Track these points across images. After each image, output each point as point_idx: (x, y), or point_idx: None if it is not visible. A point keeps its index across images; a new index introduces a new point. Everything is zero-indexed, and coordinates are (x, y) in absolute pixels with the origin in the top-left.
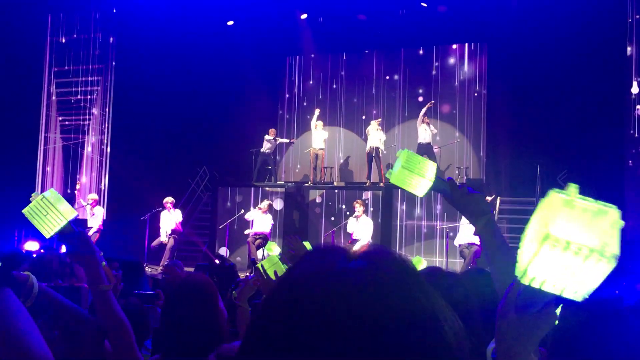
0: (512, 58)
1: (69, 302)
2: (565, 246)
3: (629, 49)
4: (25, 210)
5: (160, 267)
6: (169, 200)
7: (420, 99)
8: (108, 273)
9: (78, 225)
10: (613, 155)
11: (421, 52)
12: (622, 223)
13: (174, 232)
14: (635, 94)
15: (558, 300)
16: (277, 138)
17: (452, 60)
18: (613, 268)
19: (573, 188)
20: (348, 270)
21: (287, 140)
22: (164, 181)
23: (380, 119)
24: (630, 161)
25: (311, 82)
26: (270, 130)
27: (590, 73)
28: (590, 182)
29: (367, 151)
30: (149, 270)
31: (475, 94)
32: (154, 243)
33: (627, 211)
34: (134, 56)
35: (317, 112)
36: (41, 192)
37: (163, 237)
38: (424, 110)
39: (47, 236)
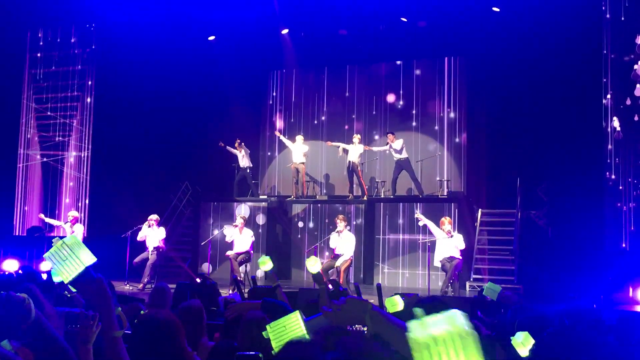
0: (492, 71)
1: (59, 339)
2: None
3: (605, 55)
4: (46, 255)
5: (141, 285)
6: (153, 217)
7: (400, 108)
8: (122, 318)
9: (97, 271)
10: (592, 168)
11: (401, 66)
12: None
13: (156, 249)
14: (611, 107)
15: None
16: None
17: (432, 74)
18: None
19: (419, 312)
20: None
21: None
22: (145, 197)
23: (360, 135)
24: (607, 173)
25: (293, 97)
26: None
27: (568, 86)
28: (569, 194)
29: (347, 166)
30: (129, 288)
31: (455, 107)
32: (137, 259)
33: (606, 224)
34: (114, 72)
35: (279, 134)
36: (24, 206)
37: (147, 254)
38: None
39: (66, 281)
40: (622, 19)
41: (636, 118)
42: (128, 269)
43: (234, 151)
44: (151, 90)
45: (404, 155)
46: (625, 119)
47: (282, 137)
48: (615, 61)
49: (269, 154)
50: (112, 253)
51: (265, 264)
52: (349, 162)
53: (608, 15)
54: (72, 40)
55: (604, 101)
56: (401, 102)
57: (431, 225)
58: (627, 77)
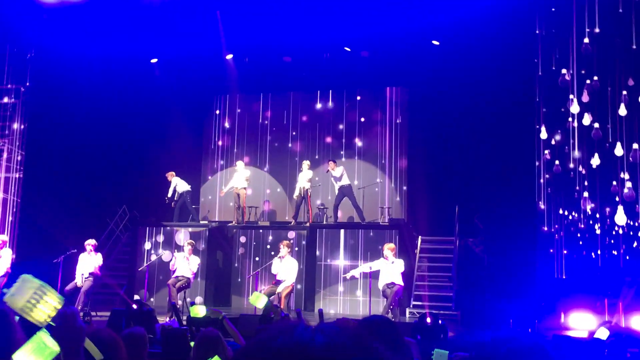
0: (432, 102)
1: None
2: None
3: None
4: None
5: None
6: (90, 242)
7: (343, 136)
8: (90, 348)
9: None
10: (524, 197)
11: (344, 94)
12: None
13: (91, 275)
14: (543, 139)
15: None
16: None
17: (374, 103)
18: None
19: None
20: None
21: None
22: (80, 221)
23: (309, 162)
24: (540, 202)
25: (237, 122)
26: (168, 175)
27: (504, 119)
28: (503, 223)
29: (297, 192)
30: None
31: (397, 136)
32: (69, 287)
33: (538, 253)
34: (50, 92)
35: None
36: None
37: (78, 281)
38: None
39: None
40: (557, 56)
41: (566, 150)
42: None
43: (173, 183)
44: (89, 112)
45: (346, 182)
46: (557, 150)
47: (225, 189)
48: (548, 93)
49: (210, 178)
50: (43, 279)
51: (259, 299)
52: (299, 188)
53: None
54: (8, 59)
55: (541, 136)
56: (344, 130)
57: (365, 267)
58: (559, 110)
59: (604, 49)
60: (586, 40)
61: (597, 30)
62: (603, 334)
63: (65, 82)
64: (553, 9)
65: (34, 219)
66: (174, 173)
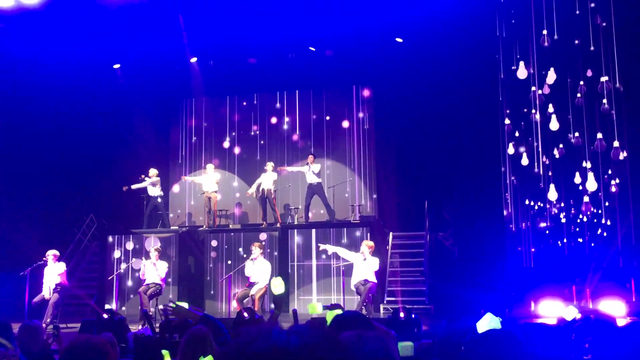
0: (397, 100)
1: None
2: None
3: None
4: None
5: (43, 325)
6: (51, 253)
7: (311, 135)
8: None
9: None
10: (492, 190)
11: (311, 93)
12: None
13: (58, 286)
14: (507, 133)
15: None
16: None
17: (341, 102)
18: None
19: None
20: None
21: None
22: (47, 232)
23: (272, 163)
24: (506, 194)
25: (204, 125)
26: (150, 171)
27: (469, 114)
28: (472, 215)
29: (259, 193)
30: None
31: (365, 134)
32: (36, 299)
33: (507, 243)
34: (11, 100)
35: (185, 179)
36: None
37: (46, 293)
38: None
39: None
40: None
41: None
42: (27, 308)
43: (141, 185)
44: (52, 120)
45: (319, 179)
46: (520, 143)
47: (189, 178)
48: (511, 88)
49: (178, 182)
50: (9, 292)
51: (280, 285)
52: (262, 189)
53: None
54: None
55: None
56: (312, 130)
57: (340, 250)
58: (521, 103)
59: (562, 43)
60: (544, 32)
61: (555, 36)
62: (571, 312)
63: (27, 89)
64: (512, 11)
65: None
66: (157, 172)
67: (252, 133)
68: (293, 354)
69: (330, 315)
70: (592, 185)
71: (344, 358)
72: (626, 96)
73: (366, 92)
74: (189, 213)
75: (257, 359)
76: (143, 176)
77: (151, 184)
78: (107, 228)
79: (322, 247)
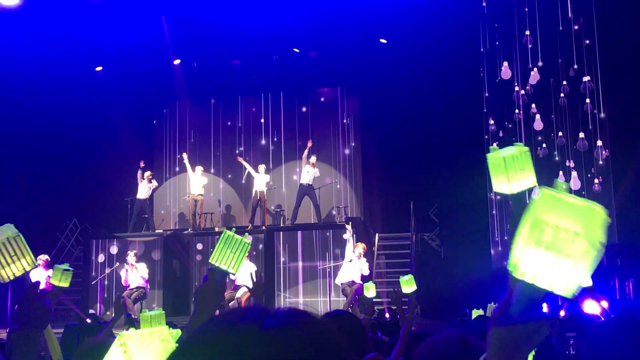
0: (383, 101)
1: None
2: (554, 230)
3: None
4: None
5: None
6: (42, 257)
7: (296, 137)
8: None
9: None
10: (477, 190)
11: (296, 95)
12: (608, 220)
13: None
14: (492, 131)
15: (551, 316)
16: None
17: (326, 104)
18: (599, 256)
19: (561, 184)
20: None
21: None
22: (29, 237)
23: (264, 165)
24: (491, 193)
25: (188, 127)
26: (146, 173)
27: (453, 116)
28: (458, 215)
29: (252, 195)
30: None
31: (350, 136)
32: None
33: (491, 242)
34: None
35: (185, 157)
36: None
37: None
38: (306, 152)
39: None
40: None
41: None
42: (10, 314)
43: (141, 180)
44: (33, 123)
45: (310, 181)
46: (506, 142)
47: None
48: (494, 89)
49: (163, 184)
50: None
51: (371, 289)
52: (255, 191)
53: (482, 50)
54: None
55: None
56: (296, 132)
57: (350, 242)
58: (506, 103)
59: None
60: (527, 32)
61: (540, 63)
62: (592, 307)
63: (7, 91)
64: (496, 24)
65: None
66: (153, 179)
67: (236, 135)
68: (262, 334)
69: (407, 283)
70: (575, 185)
71: None
72: (607, 95)
73: (351, 93)
74: (174, 216)
75: (223, 334)
76: (150, 175)
77: (147, 186)
78: (91, 232)
79: (348, 228)
